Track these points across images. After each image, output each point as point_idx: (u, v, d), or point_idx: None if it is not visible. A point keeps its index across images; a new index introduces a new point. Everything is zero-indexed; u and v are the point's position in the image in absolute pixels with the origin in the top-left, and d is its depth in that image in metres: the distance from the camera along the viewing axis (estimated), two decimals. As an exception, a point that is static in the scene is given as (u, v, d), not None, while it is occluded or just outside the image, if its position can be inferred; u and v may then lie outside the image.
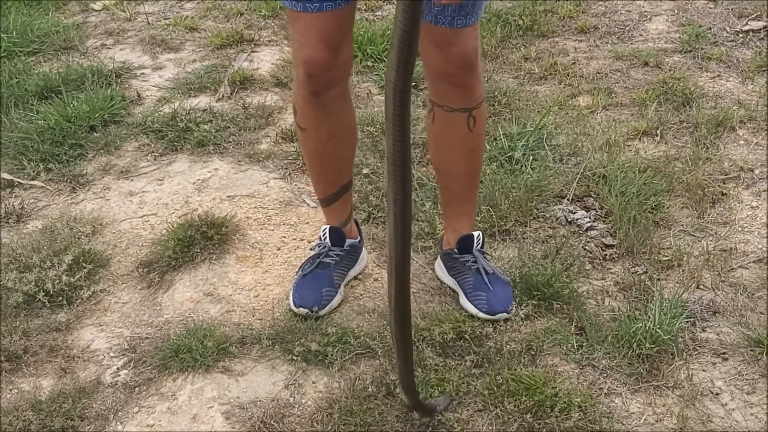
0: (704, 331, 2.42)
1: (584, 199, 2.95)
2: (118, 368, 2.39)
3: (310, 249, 2.65)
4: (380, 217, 2.85)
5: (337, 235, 2.55)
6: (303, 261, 2.59)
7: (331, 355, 2.34)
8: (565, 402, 2.17)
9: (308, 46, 2.16)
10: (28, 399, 2.27)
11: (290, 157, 3.17)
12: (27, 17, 4.37)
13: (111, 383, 2.34)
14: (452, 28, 2.13)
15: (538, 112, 3.44)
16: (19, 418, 2.21)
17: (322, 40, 2.15)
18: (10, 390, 2.33)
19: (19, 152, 3.23)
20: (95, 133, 3.36)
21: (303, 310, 2.45)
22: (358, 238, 2.64)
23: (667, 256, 2.67)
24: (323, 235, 2.56)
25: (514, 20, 4.20)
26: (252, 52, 4.07)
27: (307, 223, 2.86)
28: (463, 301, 2.50)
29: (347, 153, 2.46)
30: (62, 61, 4.05)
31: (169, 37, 4.28)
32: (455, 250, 2.54)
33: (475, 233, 2.53)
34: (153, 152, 3.27)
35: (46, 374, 2.38)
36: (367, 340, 2.38)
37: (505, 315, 2.43)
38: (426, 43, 2.17)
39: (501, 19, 4.21)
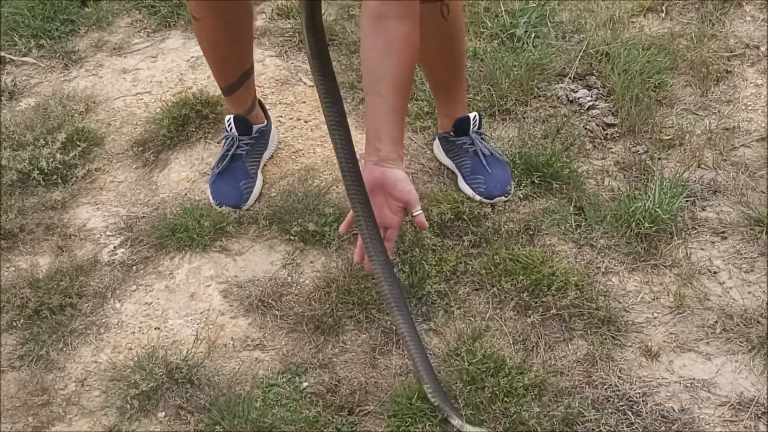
0: (704, 210, 2.41)
1: (586, 77, 2.89)
2: (115, 247, 2.38)
3: (218, 143, 2.61)
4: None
5: (242, 124, 2.49)
6: (215, 160, 2.54)
7: (329, 235, 2.33)
8: (562, 281, 2.17)
9: None
10: (25, 277, 2.27)
11: (286, 35, 3.09)
12: None
13: (108, 262, 2.34)
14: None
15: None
16: (16, 295, 2.21)
17: None
18: (8, 268, 2.33)
19: (10, 28, 3.14)
20: (86, 8, 3.27)
21: (226, 209, 2.42)
22: (266, 122, 2.58)
23: (668, 135, 2.63)
24: (228, 126, 2.50)
25: None
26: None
27: (304, 102, 2.81)
28: (462, 184, 2.48)
29: (245, 38, 2.36)
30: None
31: None
32: (451, 132, 2.50)
33: (471, 114, 2.49)
34: (146, 28, 3.19)
35: (42, 252, 2.37)
36: (365, 219, 2.36)
37: (503, 199, 2.41)
38: None
39: None
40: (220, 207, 2.42)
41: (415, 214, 1.87)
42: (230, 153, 2.47)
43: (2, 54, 3.05)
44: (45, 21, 3.17)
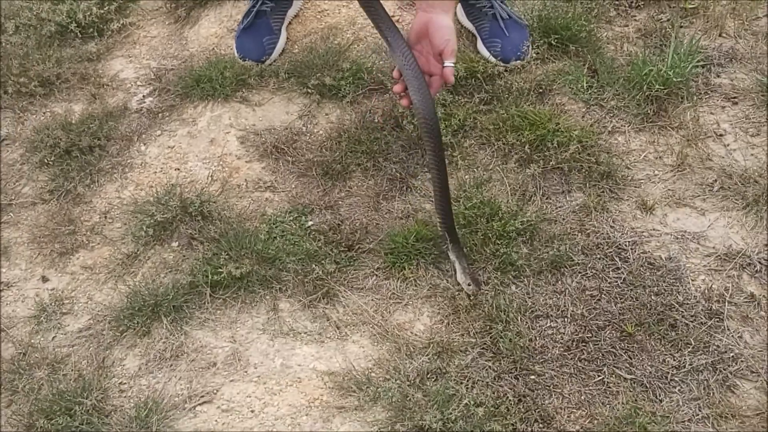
0: (718, 76, 2.42)
1: (619, -54, 2.86)
2: (143, 96, 2.50)
3: (244, 1, 2.67)
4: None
5: None
6: (241, 15, 2.62)
7: (345, 88, 2.41)
8: (565, 136, 2.23)
9: None
10: (59, 120, 2.41)
11: None
12: None
13: (137, 109, 2.46)
14: None
15: None
16: (49, 136, 2.35)
17: None
18: (44, 113, 2.47)
19: None
20: None
21: (249, 62, 2.51)
22: None
23: (693, 4, 2.62)
24: None
25: None
26: None
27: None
28: (480, 46, 2.52)
29: None
30: None
31: None
32: (470, -6, 2.54)
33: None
34: None
35: (77, 100, 2.50)
36: (380, 75, 2.44)
37: (518, 63, 2.45)
38: None
39: None
40: (243, 61, 2.51)
41: (445, 65, 1.91)
42: (255, 9, 2.55)
43: None
44: None
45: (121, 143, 2.37)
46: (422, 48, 1.91)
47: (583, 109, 2.35)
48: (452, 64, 1.90)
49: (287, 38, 2.59)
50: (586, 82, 2.40)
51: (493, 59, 2.46)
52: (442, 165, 1.94)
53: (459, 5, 2.61)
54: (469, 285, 1.94)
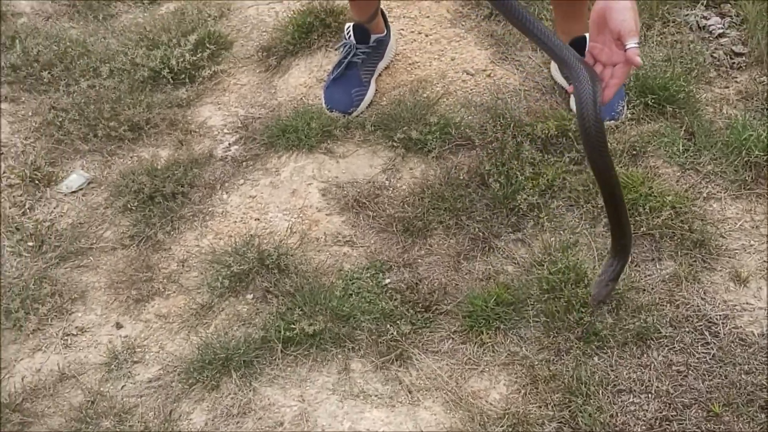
0: (825, 144, 2.29)
1: (721, 5, 2.77)
2: (229, 144, 2.50)
3: (336, 50, 2.64)
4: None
5: (361, 33, 2.53)
6: (333, 64, 2.60)
7: (431, 143, 2.36)
8: (658, 201, 2.13)
9: None
10: (145, 166, 2.42)
11: (421, -48, 3.10)
12: None
13: (222, 157, 2.46)
14: None
15: None
16: (135, 181, 2.36)
17: None
18: (131, 157, 2.49)
19: (159, -62, 3.30)
20: None
21: (336, 114, 2.48)
22: (385, 32, 2.60)
23: (800, 67, 2.51)
24: (347, 33, 2.55)
25: None
26: None
27: (428, 17, 2.83)
28: (573, 103, 2.45)
29: None
30: None
31: None
32: (567, 51, 2.46)
33: (587, 34, 2.44)
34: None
35: (164, 145, 2.51)
36: (468, 131, 2.38)
37: (612, 122, 2.37)
38: None
39: None
40: (330, 111, 2.49)
41: (627, 46, 1.63)
42: (346, 60, 2.53)
43: (150, -38, 3.21)
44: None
45: (204, 191, 2.36)
46: (603, 38, 1.66)
47: (678, 173, 2.25)
48: (635, 44, 1.62)
49: (376, 90, 2.56)
50: (683, 145, 2.30)
51: (584, 118, 2.38)
52: (610, 180, 1.66)
53: (554, 63, 2.55)
54: (594, 294, 1.74)
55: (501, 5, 1.72)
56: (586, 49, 2.40)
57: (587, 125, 1.56)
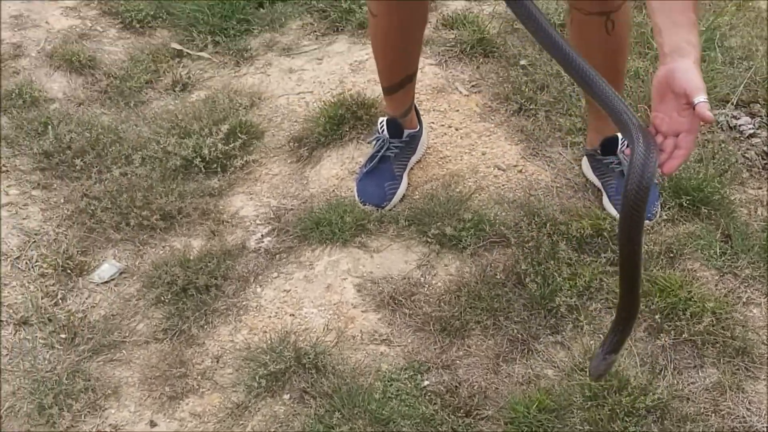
0: None
1: (750, 105, 2.80)
2: (262, 235, 2.49)
3: (368, 143, 2.65)
4: (532, 109, 2.80)
5: (394, 127, 2.55)
6: (365, 158, 2.61)
7: (465, 240, 2.36)
8: (698, 306, 2.12)
9: None
10: (177, 256, 2.41)
11: (448, 44, 3.14)
12: None
13: (255, 248, 2.45)
14: None
15: (713, 11, 3.26)
16: (167, 272, 2.35)
17: None
18: (163, 247, 2.47)
19: (190, 24, 3.33)
20: (262, 9, 3.43)
21: (369, 207, 2.49)
22: (418, 127, 2.63)
23: (832, 169, 2.52)
24: (381, 127, 2.56)
25: None
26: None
27: (457, 110, 2.85)
28: (606, 202, 2.45)
29: (416, 41, 2.40)
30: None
31: None
32: (598, 150, 2.47)
33: (620, 134, 2.46)
34: (315, 31, 3.32)
35: (196, 235, 2.50)
36: (503, 229, 2.38)
37: (647, 223, 2.37)
38: None
39: None
40: (363, 205, 2.49)
41: (695, 102, 1.50)
42: (379, 154, 2.54)
43: (180, 48, 3.24)
44: (223, 19, 3.34)
45: (238, 284, 2.35)
46: (666, 106, 1.55)
47: (716, 277, 2.25)
48: (704, 100, 1.51)
49: (408, 184, 2.57)
50: (719, 248, 2.30)
51: (618, 215, 2.38)
52: (635, 243, 1.58)
53: (585, 159, 2.56)
54: (593, 368, 1.70)
55: (564, 63, 1.69)
56: (618, 148, 2.44)
57: (634, 180, 1.47)
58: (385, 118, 2.57)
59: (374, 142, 2.59)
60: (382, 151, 2.55)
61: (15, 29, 3.22)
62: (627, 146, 1.52)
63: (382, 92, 2.54)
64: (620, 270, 1.60)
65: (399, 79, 2.45)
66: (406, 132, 2.58)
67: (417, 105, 2.70)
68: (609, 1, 2.15)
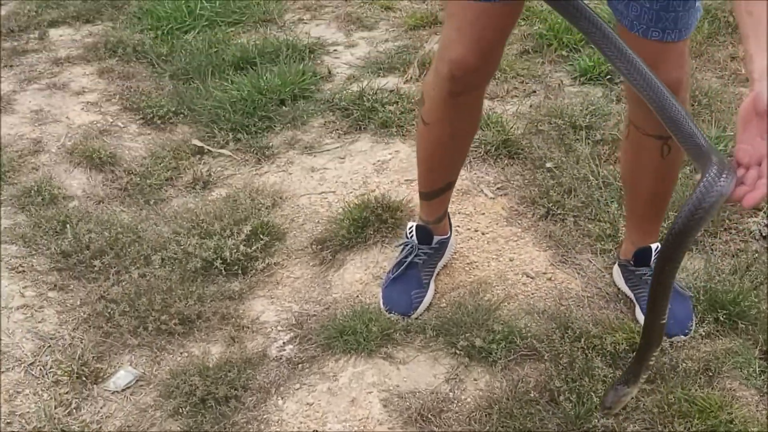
0: None
1: (782, 212, 2.74)
2: (284, 342, 2.42)
3: (395, 247, 2.59)
4: (559, 214, 2.75)
5: (424, 234, 2.49)
6: (391, 264, 2.54)
7: (495, 353, 2.28)
8: (740, 430, 2.03)
9: (461, 46, 2.01)
10: (196, 364, 2.33)
11: (473, 145, 3.10)
12: (231, -12, 4.49)
13: (276, 357, 2.37)
14: (660, 42, 1.92)
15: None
16: (186, 381, 2.26)
17: (478, 42, 1.99)
18: (181, 353, 2.40)
19: (211, 120, 3.32)
20: (284, 107, 3.41)
21: (395, 316, 2.41)
22: (449, 234, 2.56)
23: None
24: (409, 233, 2.50)
25: (724, 16, 3.96)
26: (445, 34, 4.01)
27: (483, 214, 2.80)
28: (639, 314, 2.38)
29: (464, 150, 2.37)
30: (260, 33, 4.13)
31: (365, 15, 4.30)
32: (631, 261, 2.41)
33: (654, 245, 2.39)
34: (337, 130, 3.29)
35: (215, 341, 2.43)
36: (534, 341, 2.30)
37: (682, 338, 2.29)
38: None
39: (709, 14, 3.98)
40: (389, 313, 2.42)
41: None
42: (407, 261, 2.48)
43: (201, 145, 3.21)
44: (244, 116, 3.33)
45: (258, 395, 2.26)
46: (750, 134, 1.45)
47: (756, 398, 2.16)
48: None
49: (435, 291, 2.50)
50: (758, 366, 2.22)
51: (654, 331, 2.31)
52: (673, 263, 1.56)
53: (617, 268, 2.50)
54: (607, 403, 1.75)
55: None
56: (652, 259, 2.37)
57: (693, 199, 1.41)
58: (414, 224, 2.51)
59: (402, 248, 2.53)
60: (410, 257, 2.48)
61: (35, 124, 3.20)
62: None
63: (419, 196, 2.49)
64: (650, 291, 1.58)
65: (439, 186, 2.40)
66: (436, 239, 2.52)
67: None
68: None
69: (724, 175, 1.41)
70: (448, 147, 2.29)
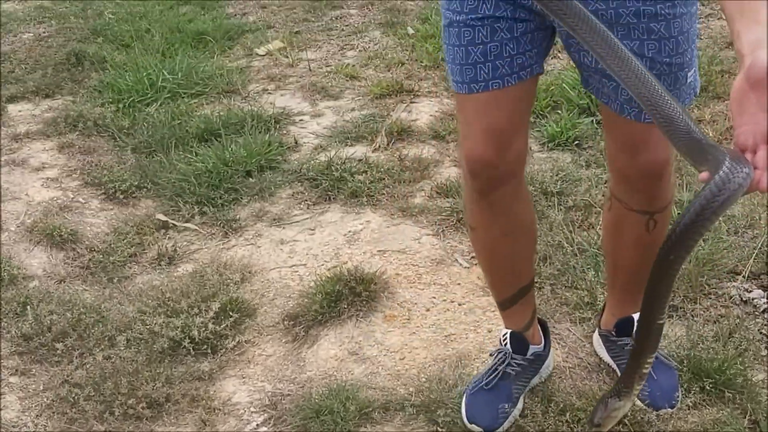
0: None
1: (761, 277, 2.71)
2: (257, 425, 2.32)
3: (489, 355, 2.39)
4: (536, 282, 2.69)
5: (519, 342, 2.28)
6: (482, 370, 2.33)
7: (480, 434, 2.20)
8: (737, 506, 1.96)
9: (472, 141, 1.89)
10: (166, 451, 2.23)
11: (444, 213, 3.06)
12: (193, 59, 4.45)
13: (249, 440, 2.27)
14: (641, 123, 1.83)
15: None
16: (155, 471, 2.16)
17: (487, 133, 1.87)
18: (150, 439, 2.29)
19: (175, 194, 3.24)
20: (251, 179, 3.35)
21: (476, 429, 2.21)
22: (543, 344, 2.35)
23: None
24: (504, 339, 2.31)
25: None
26: (411, 102, 3.99)
27: (459, 284, 2.74)
28: (622, 383, 2.31)
29: (525, 251, 2.18)
30: (224, 104, 4.09)
31: (330, 84, 4.27)
32: (613, 332, 2.34)
33: (636, 315, 2.33)
34: (306, 200, 3.23)
35: (186, 425, 2.33)
36: (518, 418, 2.23)
37: (669, 411, 2.22)
38: (609, 139, 1.97)
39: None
40: (470, 424, 2.22)
41: None
42: (500, 370, 2.28)
43: (166, 219, 3.13)
44: (210, 188, 3.26)
45: (232, 482, 2.16)
46: (747, 112, 1.35)
47: (749, 469, 2.10)
48: None
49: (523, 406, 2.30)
50: (749, 436, 2.16)
51: (640, 403, 2.24)
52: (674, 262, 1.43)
53: (599, 339, 2.44)
54: (595, 419, 1.67)
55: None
56: (634, 329, 2.31)
57: (702, 197, 1.29)
58: (508, 331, 2.32)
59: (495, 355, 2.34)
60: (503, 366, 2.28)
61: (-6, 202, 3.10)
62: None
63: (497, 307, 2.32)
64: (649, 284, 1.46)
65: (510, 293, 2.22)
66: (532, 348, 2.31)
67: (416, 278, 2.59)
68: (657, 202, 2.03)
69: (741, 167, 1.26)
70: (503, 248, 2.12)
